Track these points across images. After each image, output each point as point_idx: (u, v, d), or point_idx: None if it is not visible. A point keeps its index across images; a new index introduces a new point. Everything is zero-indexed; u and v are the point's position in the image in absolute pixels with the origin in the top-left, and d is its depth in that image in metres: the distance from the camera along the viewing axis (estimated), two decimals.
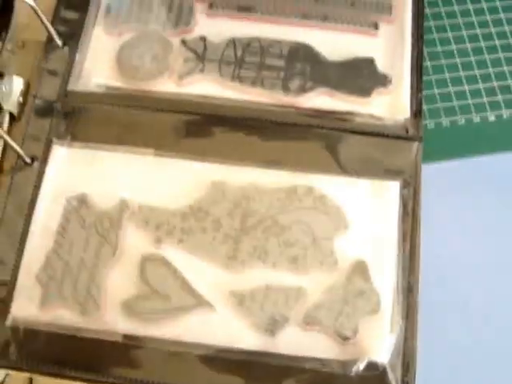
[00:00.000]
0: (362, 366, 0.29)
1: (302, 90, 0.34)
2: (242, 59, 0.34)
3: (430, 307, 0.30)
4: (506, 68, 0.36)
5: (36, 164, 0.33)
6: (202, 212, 0.32)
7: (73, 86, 0.35)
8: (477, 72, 0.36)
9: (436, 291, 0.31)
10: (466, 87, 0.36)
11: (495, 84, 0.36)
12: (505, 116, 0.35)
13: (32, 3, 0.33)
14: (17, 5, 0.37)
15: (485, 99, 0.36)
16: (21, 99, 0.35)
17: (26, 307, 0.30)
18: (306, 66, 0.34)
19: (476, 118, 0.35)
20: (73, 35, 0.36)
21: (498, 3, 0.38)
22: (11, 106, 0.34)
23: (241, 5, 0.36)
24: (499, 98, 0.36)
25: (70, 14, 0.36)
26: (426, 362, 0.29)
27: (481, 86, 0.36)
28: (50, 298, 0.30)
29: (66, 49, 0.35)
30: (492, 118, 0.35)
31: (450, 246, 0.33)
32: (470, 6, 0.38)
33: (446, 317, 0.31)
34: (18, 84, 0.35)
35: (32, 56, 0.36)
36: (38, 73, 0.35)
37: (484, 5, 0.37)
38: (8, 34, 0.36)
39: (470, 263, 0.33)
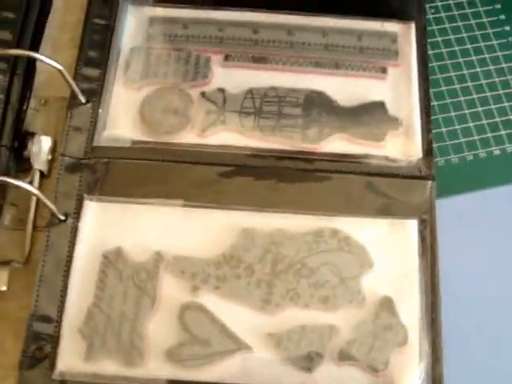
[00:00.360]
0: None
1: (320, 136, 0.36)
2: (261, 109, 0.37)
3: (451, 333, 0.33)
4: (506, 104, 0.39)
5: (69, 220, 0.35)
6: (235, 259, 0.34)
7: (98, 142, 0.37)
8: (480, 109, 0.39)
9: (456, 317, 0.34)
10: (471, 124, 0.39)
11: (498, 119, 0.39)
12: (508, 150, 0.39)
13: (60, 67, 0.35)
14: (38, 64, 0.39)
15: (489, 134, 0.39)
16: (49, 157, 0.37)
17: (71, 361, 0.32)
18: (321, 112, 0.37)
19: (482, 153, 0.38)
20: (94, 91, 0.38)
21: (494, 42, 0.41)
22: (41, 164, 0.36)
23: (255, 56, 0.38)
24: (502, 132, 0.39)
25: (90, 71, 0.38)
26: None
27: (484, 121, 0.39)
28: (94, 350, 0.33)
29: (89, 105, 0.37)
30: (497, 153, 0.38)
31: (465, 275, 0.35)
32: (469, 46, 0.41)
33: (467, 341, 0.34)
34: (46, 142, 0.37)
35: (55, 113, 0.38)
36: (64, 130, 0.37)
37: (482, 44, 0.41)
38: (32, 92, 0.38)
39: (483, 289, 0.36)
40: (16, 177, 0.36)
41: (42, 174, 0.37)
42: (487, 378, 0.34)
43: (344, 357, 0.32)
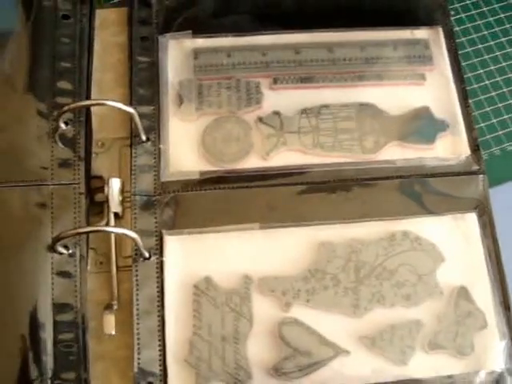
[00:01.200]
0: (483, 375, 0.37)
1: (377, 146, 0.41)
2: (317, 127, 0.41)
3: None
4: None
5: (153, 257, 0.38)
6: (320, 272, 0.38)
7: (166, 178, 0.40)
8: (511, 101, 0.45)
9: None
10: (506, 116, 0.44)
11: None
12: None
13: (132, 110, 0.38)
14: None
15: None
16: (121, 198, 0.39)
17: None
18: (374, 124, 0.41)
19: None
20: (152, 128, 0.41)
21: None
22: (116, 206, 0.39)
23: (302, 76, 0.42)
24: None
25: (144, 109, 0.41)
26: None
27: None
28: (203, 376, 0.36)
29: (150, 142, 0.40)
30: None
31: None
32: (492, 42, 0.46)
33: None
34: (116, 184, 0.39)
35: (115, 153, 0.41)
36: (130, 170, 0.40)
37: (503, 39, 0.46)
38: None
39: None
40: (92, 222, 0.39)
41: (116, 215, 0.39)
42: None
43: (433, 346, 0.37)
